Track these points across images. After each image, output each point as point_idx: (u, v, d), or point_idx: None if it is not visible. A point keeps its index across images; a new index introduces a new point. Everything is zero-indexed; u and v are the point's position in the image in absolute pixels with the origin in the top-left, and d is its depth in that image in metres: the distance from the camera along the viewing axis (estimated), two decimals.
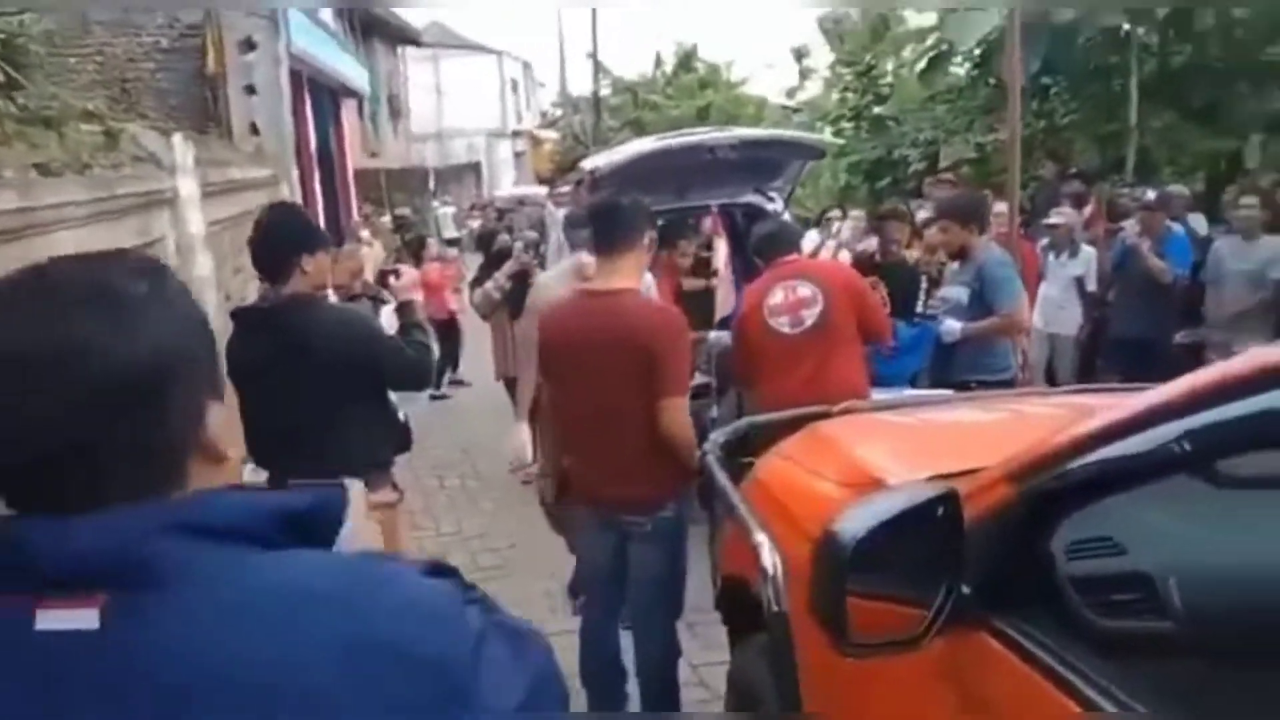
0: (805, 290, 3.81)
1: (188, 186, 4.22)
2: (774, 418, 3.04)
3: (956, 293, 4.39)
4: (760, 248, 4.17)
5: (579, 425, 2.91)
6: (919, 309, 4.89)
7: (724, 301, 4.51)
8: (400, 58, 22.79)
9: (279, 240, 2.68)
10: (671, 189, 5.73)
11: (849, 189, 10.78)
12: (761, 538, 1.79)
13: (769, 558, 1.73)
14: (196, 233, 4.33)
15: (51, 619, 0.66)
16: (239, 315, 2.81)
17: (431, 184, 22.47)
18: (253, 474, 2.51)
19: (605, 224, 2.85)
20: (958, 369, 4.26)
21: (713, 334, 4.76)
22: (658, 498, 2.80)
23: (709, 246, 5.37)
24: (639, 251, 2.83)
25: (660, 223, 3.42)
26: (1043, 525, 1.26)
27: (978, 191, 6.24)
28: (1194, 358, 6.18)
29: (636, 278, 2.84)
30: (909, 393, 3.78)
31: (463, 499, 5.96)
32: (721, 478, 2.34)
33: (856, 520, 1.25)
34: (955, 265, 4.56)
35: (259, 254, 2.71)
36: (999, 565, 1.30)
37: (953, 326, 4.28)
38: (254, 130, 8.50)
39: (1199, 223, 7.07)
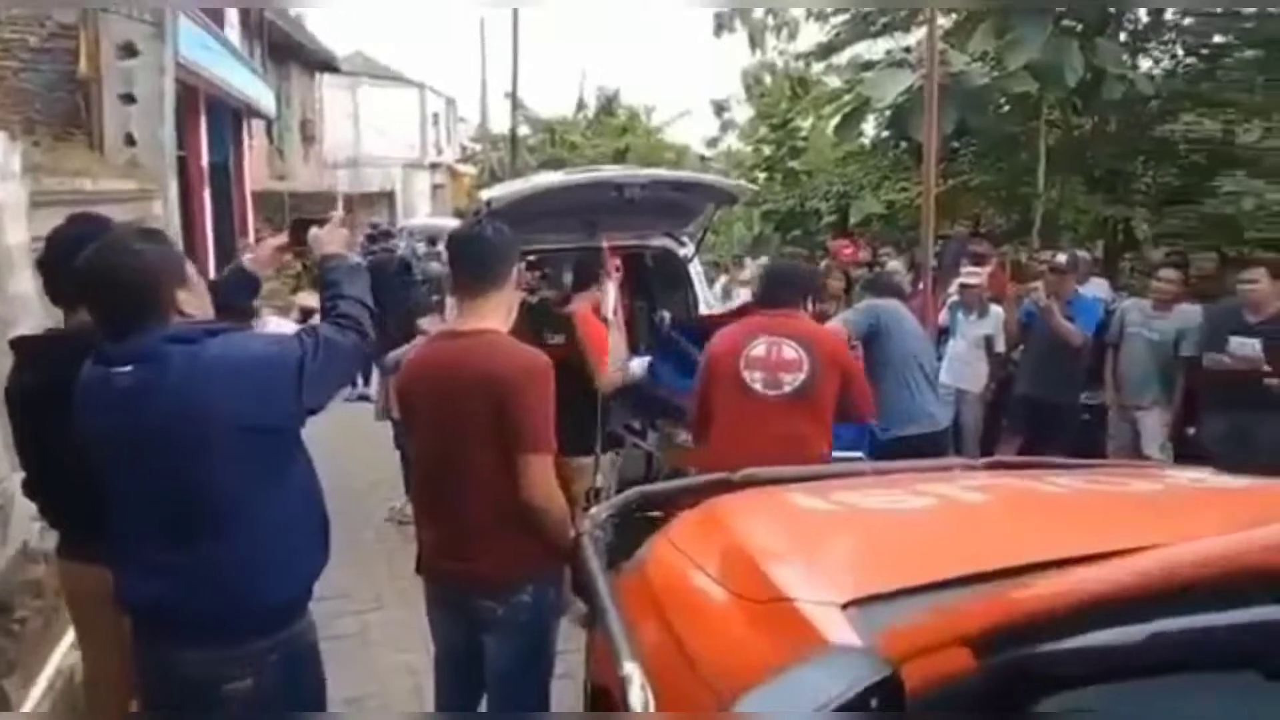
0: (791, 352, 3.38)
1: (7, 192, 3.64)
2: (668, 487, 2.67)
3: None
4: (764, 290, 3.70)
5: (427, 485, 2.51)
6: None
7: (615, 352, 3.96)
8: (316, 83, 22.53)
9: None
10: (576, 227, 5.41)
11: (761, 238, 10.70)
12: (631, 669, 1.40)
13: (637, 696, 1.33)
14: (16, 243, 3.74)
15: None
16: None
17: (340, 210, 21.81)
18: None
19: (465, 258, 2.47)
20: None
21: (634, 362, 4.30)
22: (511, 578, 2.38)
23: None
24: (504, 290, 2.45)
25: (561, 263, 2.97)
26: (1016, 710, 0.91)
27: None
28: (1097, 419, 6.19)
29: (502, 318, 2.45)
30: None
31: None
32: (595, 569, 1.94)
33: None
34: None
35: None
36: None
37: None
38: (130, 141, 7.81)
39: (1101, 288, 7.13)
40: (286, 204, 17.94)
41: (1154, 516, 1.91)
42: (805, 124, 12.38)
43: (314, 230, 2.29)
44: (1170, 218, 8.23)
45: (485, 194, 5.17)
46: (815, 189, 10.12)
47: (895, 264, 5.30)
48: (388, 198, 27.49)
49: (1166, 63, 9.18)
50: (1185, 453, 5.69)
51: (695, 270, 5.89)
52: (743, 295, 6.83)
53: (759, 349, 3.40)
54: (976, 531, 1.75)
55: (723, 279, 8.12)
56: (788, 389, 3.34)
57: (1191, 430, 5.72)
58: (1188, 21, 8.79)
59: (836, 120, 9.64)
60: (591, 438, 3.92)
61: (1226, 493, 2.22)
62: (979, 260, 7.19)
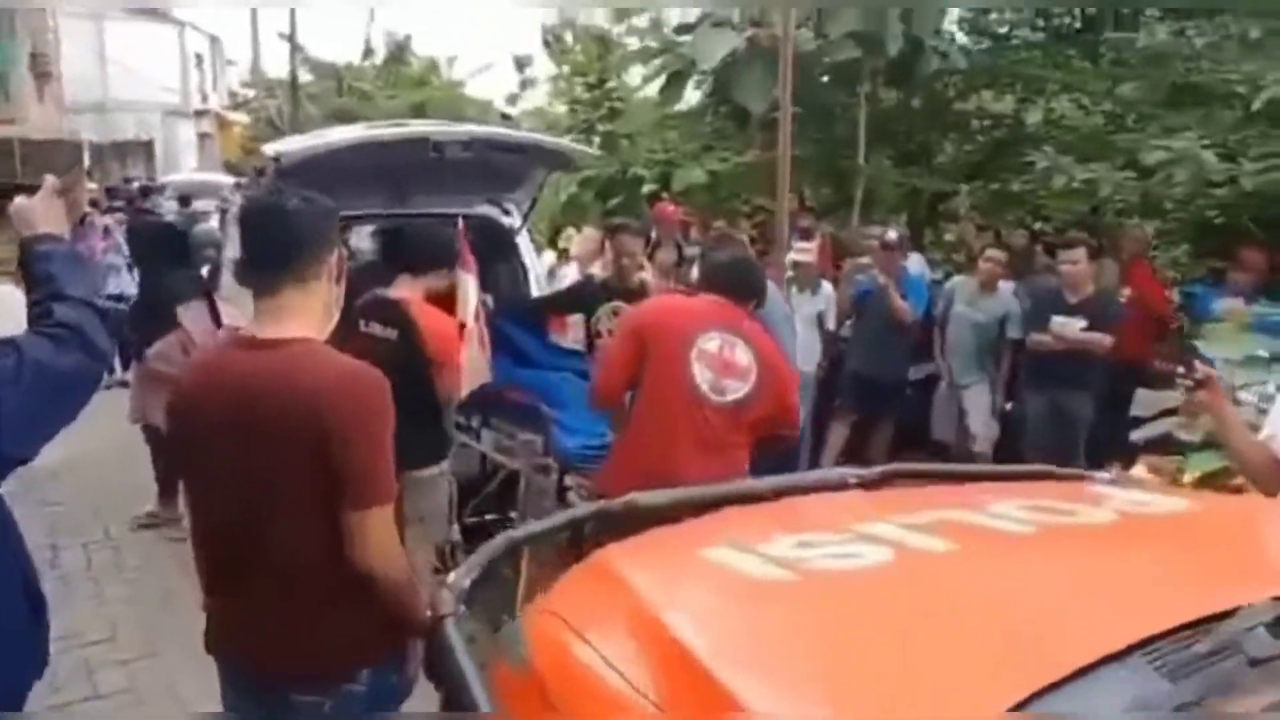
0: (744, 357, 2.93)
1: None
2: (540, 529, 2.17)
3: None
4: (719, 278, 3.16)
5: (215, 544, 1.87)
6: None
7: (474, 367, 3.22)
8: (51, 11, 19.68)
9: None
10: (382, 190, 4.70)
11: (577, 205, 10.15)
12: None
13: None
14: None
15: None
16: None
17: (86, 161, 19.16)
18: None
19: (265, 238, 1.81)
20: None
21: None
22: (341, 666, 1.81)
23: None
24: (319, 282, 1.82)
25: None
26: None
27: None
28: (922, 393, 6.31)
29: (317, 322, 1.83)
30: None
31: (85, 583, 4.40)
32: (465, 664, 1.42)
33: None
34: None
35: None
36: None
37: None
38: None
39: (920, 263, 7.27)
40: (17, 152, 15.48)
41: (1171, 565, 1.59)
42: (617, 84, 11.92)
43: (19, 201, 1.69)
44: (973, 193, 8.55)
45: (271, 148, 4.31)
46: (635, 155, 9.72)
47: (740, 237, 5.04)
48: (145, 148, 24.57)
49: (963, 39, 9.51)
50: (1003, 428, 5.92)
51: (524, 244, 5.31)
52: (570, 274, 6.31)
53: (711, 343, 2.92)
54: (978, 603, 1.38)
55: (547, 256, 7.53)
56: (730, 397, 2.90)
57: (1009, 405, 5.93)
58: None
59: (660, 82, 9.26)
60: (432, 452, 3.23)
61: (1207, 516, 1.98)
62: (806, 235, 7.13)
